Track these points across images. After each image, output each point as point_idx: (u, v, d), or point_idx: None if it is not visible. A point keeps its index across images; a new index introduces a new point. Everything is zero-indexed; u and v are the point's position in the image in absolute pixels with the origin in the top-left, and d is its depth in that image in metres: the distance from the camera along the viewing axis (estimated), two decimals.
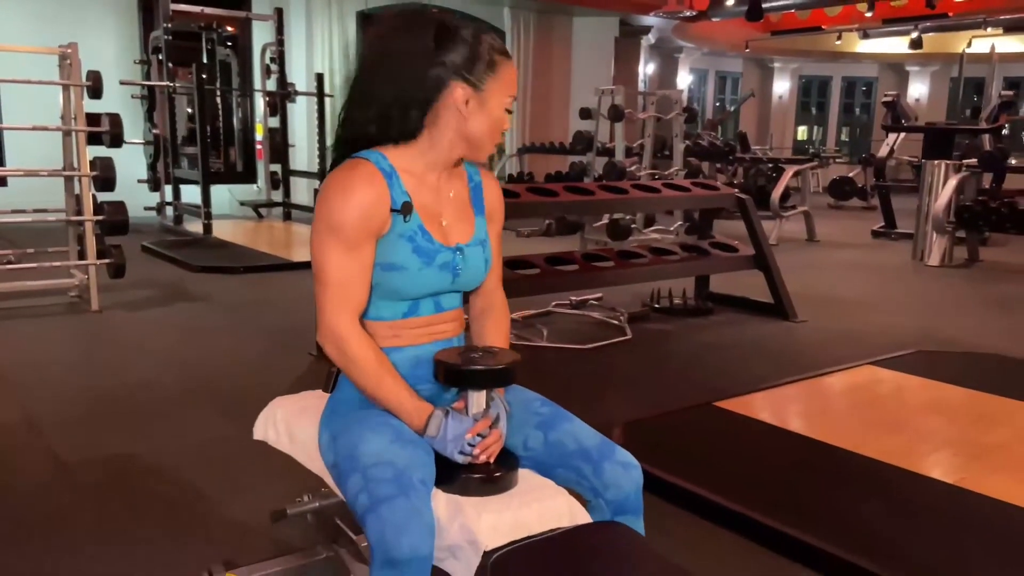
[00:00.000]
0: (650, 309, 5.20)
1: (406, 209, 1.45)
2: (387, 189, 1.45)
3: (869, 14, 13.55)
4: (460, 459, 1.42)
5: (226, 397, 3.40)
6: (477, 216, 1.60)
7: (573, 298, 5.16)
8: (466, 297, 1.68)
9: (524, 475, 1.53)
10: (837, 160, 16.47)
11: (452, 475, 1.44)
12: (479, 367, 1.42)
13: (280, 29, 9.05)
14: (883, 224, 9.75)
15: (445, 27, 1.43)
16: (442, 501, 1.43)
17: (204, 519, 2.39)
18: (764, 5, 12.59)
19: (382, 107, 1.46)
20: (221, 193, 9.36)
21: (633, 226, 7.32)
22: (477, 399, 1.47)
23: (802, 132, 19.65)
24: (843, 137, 19.57)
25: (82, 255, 5.08)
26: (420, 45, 1.43)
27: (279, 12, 9.05)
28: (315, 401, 1.74)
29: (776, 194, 8.71)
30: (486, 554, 1.35)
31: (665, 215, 8.63)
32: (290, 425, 1.77)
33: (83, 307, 5.00)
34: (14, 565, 2.13)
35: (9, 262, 5.57)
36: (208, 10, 8.62)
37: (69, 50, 4.88)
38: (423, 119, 1.46)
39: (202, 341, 4.38)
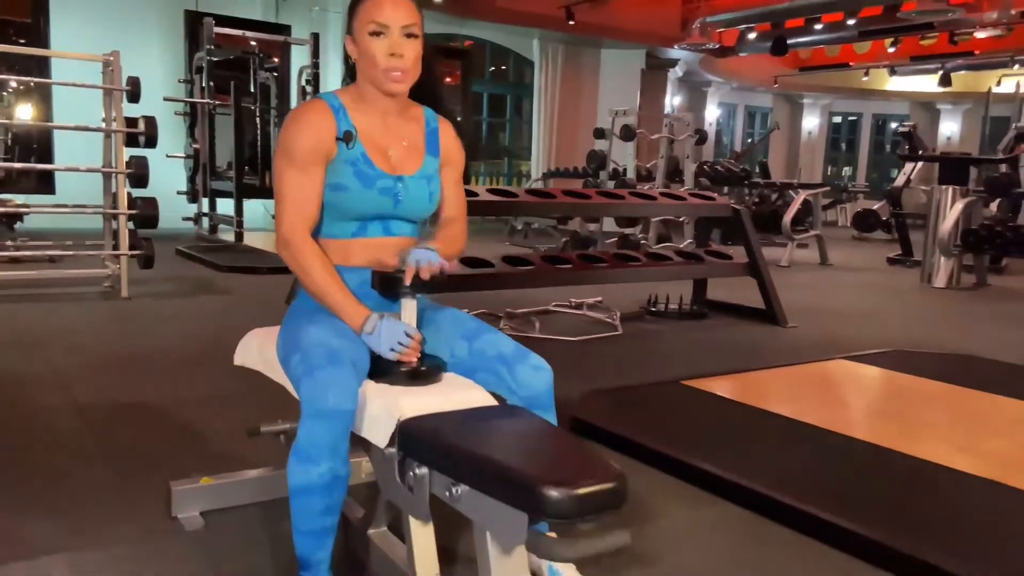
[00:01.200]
0: (645, 311, 5.43)
1: (347, 137, 1.74)
2: (333, 120, 1.75)
3: (892, 50, 13.74)
4: (391, 356, 1.68)
5: (230, 363, 3.71)
6: (428, 155, 1.87)
7: (573, 300, 5.42)
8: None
9: (449, 377, 1.80)
10: (862, 194, 16.56)
11: (384, 369, 1.72)
12: (409, 284, 1.65)
13: (316, 52, 9.54)
14: (900, 252, 9.85)
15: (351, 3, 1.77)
16: (372, 387, 1.70)
17: (197, 439, 2.70)
18: (789, 41, 12.87)
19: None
20: (256, 207, 9.82)
21: (643, 241, 7.56)
22: (408, 305, 1.75)
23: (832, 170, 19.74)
24: (874, 174, 19.61)
25: (115, 248, 5.49)
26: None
27: (315, 37, 9.55)
28: None
29: (787, 218, 8.90)
30: (400, 422, 1.61)
31: (676, 235, 8.86)
32: (263, 349, 2.05)
33: (114, 295, 5.39)
34: (31, 469, 2.44)
35: (52, 260, 6.03)
36: (249, 34, 9.16)
37: (111, 57, 5.34)
38: (352, 70, 1.81)
39: (219, 322, 4.72)
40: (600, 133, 8.68)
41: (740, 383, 3.69)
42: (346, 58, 1.81)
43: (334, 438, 1.54)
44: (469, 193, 4.73)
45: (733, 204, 5.54)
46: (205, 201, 9.22)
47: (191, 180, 9.62)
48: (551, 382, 1.76)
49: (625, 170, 9.23)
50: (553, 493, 1.23)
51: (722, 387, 3.53)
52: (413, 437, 1.55)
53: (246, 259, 7.33)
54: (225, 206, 9.02)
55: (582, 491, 1.25)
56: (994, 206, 9.90)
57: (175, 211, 8.32)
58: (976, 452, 2.73)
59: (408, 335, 1.68)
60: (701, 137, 8.46)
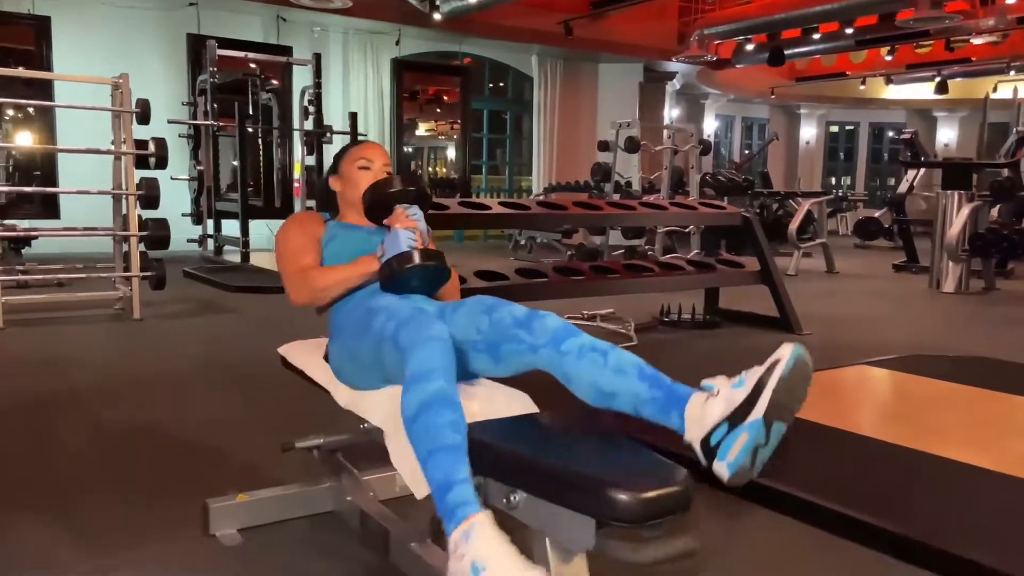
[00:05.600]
0: (658, 322, 5.42)
1: (333, 213, 2.20)
2: (323, 220, 2.17)
3: (888, 58, 13.81)
4: (409, 244, 1.91)
5: (246, 383, 3.71)
6: None
7: (585, 311, 5.40)
8: None
9: (490, 385, 1.81)
10: (861, 203, 16.60)
11: (397, 270, 1.89)
12: (400, 187, 2.02)
13: (318, 73, 9.56)
14: (905, 259, 9.86)
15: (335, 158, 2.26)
16: None
17: (222, 457, 2.67)
18: (786, 51, 12.95)
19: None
20: (260, 228, 9.82)
21: (650, 253, 7.56)
22: (407, 209, 2.01)
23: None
24: (873, 183, 19.66)
25: (127, 270, 5.47)
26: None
27: (317, 57, 9.57)
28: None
29: (793, 226, 8.91)
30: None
31: (682, 246, 8.87)
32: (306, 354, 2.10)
33: (126, 316, 5.37)
34: (58, 491, 2.42)
35: (60, 284, 6.01)
36: (251, 55, 9.19)
37: (120, 80, 5.34)
38: (333, 202, 2.24)
39: (230, 344, 4.70)
40: (604, 146, 8.70)
41: None
42: (324, 193, 2.23)
43: (445, 359, 1.57)
44: (481, 207, 4.74)
45: (744, 212, 5.54)
46: (210, 223, 9.22)
47: (195, 202, 9.62)
48: (560, 320, 1.72)
49: (629, 182, 9.24)
50: (622, 496, 1.22)
51: None
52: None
53: (252, 279, 7.31)
54: (229, 227, 9.02)
55: (651, 494, 1.23)
56: (995, 211, 9.92)
57: (180, 233, 8.29)
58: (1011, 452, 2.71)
59: (411, 229, 1.95)
60: (706, 148, 8.48)
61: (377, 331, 1.73)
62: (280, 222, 2.15)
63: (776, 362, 1.46)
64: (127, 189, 5.33)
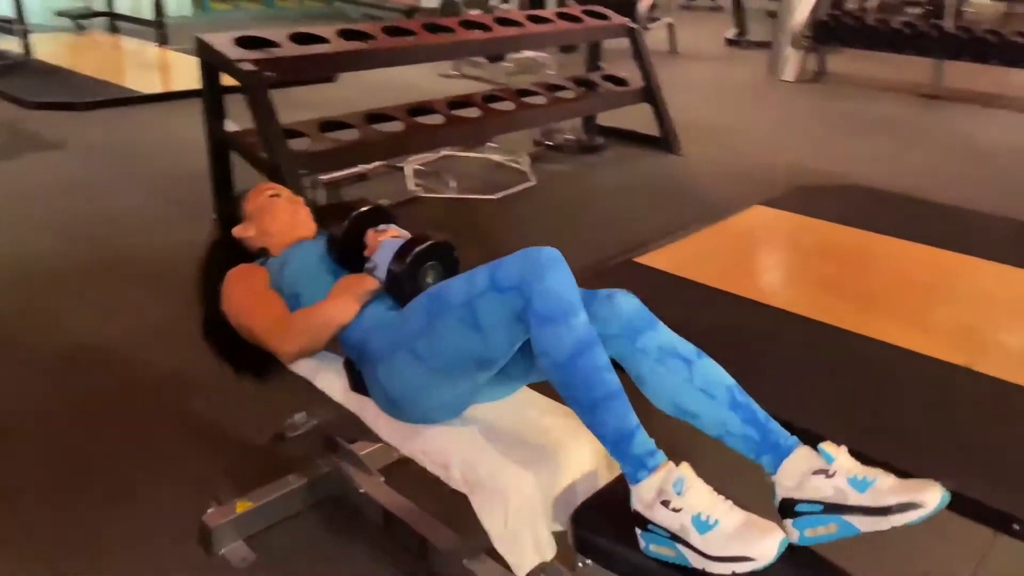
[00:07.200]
0: (543, 146, 5.22)
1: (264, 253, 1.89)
2: (258, 267, 1.86)
3: None
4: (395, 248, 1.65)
5: (143, 271, 3.25)
6: None
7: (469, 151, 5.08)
8: None
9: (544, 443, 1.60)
10: None
11: (410, 277, 1.64)
12: (359, 211, 1.76)
13: None
14: (736, 31, 9.98)
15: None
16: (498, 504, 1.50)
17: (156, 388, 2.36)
18: None
19: None
20: (32, 2, 8.18)
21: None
22: (381, 227, 1.75)
23: None
24: None
25: None
26: None
27: None
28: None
29: (644, 4, 8.63)
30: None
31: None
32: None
33: None
34: None
35: None
36: None
37: None
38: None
39: (81, 203, 4.03)
40: None
41: (690, 254, 3.66)
42: (232, 255, 1.90)
43: (573, 291, 1.39)
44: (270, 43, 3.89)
45: (630, 24, 5.24)
46: None
47: None
48: (636, 301, 1.50)
49: None
50: None
51: (678, 263, 3.52)
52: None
53: (54, 88, 6.18)
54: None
55: None
56: None
57: None
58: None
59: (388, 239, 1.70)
60: None
61: (454, 313, 1.43)
62: None
63: (916, 506, 1.23)
64: None
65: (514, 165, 4.78)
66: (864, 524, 1.26)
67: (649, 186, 4.69)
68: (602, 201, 4.48)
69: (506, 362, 1.50)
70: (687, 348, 1.44)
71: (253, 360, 1.83)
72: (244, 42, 3.68)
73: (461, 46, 4.51)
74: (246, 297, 1.75)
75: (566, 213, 4.27)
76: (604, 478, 1.58)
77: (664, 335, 1.45)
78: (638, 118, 5.36)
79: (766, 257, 3.72)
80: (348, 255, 1.74)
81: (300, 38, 3.87)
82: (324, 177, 3.92)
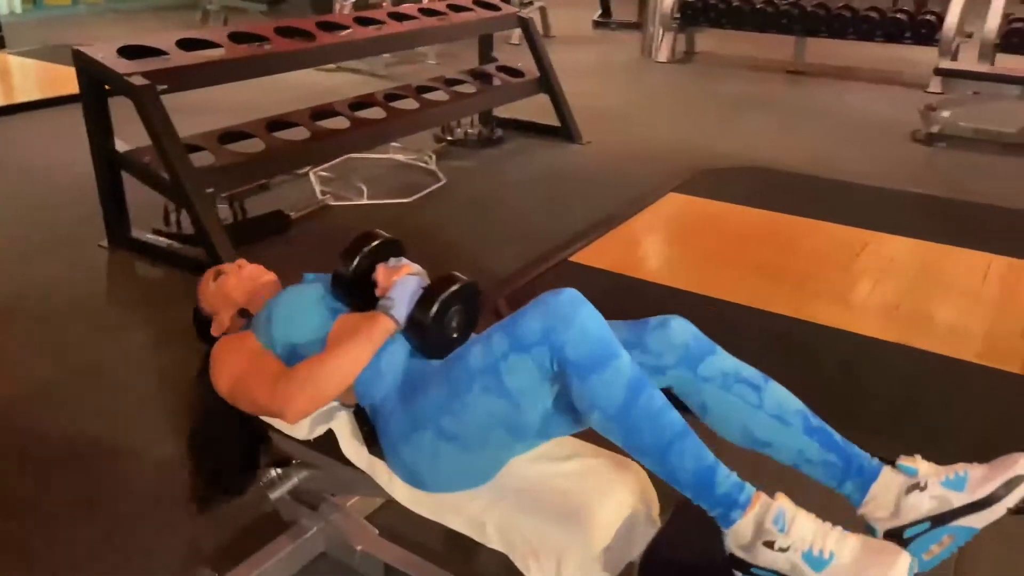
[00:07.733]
0: (444, 141, 5.09)
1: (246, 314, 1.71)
2: (245, 333, 1.65)
3: None
4: (422, 284, 1.52)
5: (36, 317, 2.91)
6: None
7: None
8: None
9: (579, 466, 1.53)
10: None
11: (438, 329, 1.48)
12: (371, 245, 1.62)
13: None
14: (601, 13, 10.11)
15: None
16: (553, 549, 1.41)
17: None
18: None
19: None
20: None
21: None
22: (392, 262, 1.59)
23: None
24: None
25: None
26: None
27: None
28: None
29: None
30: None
31: None
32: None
33: None
34: None
35: None
36: None
37: None
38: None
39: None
40: None
41: (619, 248, 3.67)
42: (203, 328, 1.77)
43: (606, 329, 1.30)
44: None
45: (520, 14, 5.17)
46: None
47: None
48: (689, 325, 1.44)
49: None
50: None
51: (611, 259, 3.51)
52: None
53: None
54: None
55: None
56: None
57: None
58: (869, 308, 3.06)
59: (403, 276, 1.53)
60: None
61: (477, 381, 1.32)
62: None
63: (1018, 480, 1.23)
64: None
65: (421, 164, 4.63)
66: (978, 520, 1.22)
67: (558, 177, 4.65)
68: (516, 195, 4.40)
69: (541, 423, 1.40)
70: (752, 372, 1.39)
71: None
72: (128, 52, 3.36)
73: (361, 46, 4.30)
74: (237, 364, 1.54)
75: (483, 211, 4.17)
76: (643, 516, 1.52)
77: (726, 360, 1.39)
78: (530, 107, 5.32)
79: (695, 247, 3.76)
80: (357, 294, 1.59)
81: (188, 44, 3.58)
82: (223, 192, 3.64)
